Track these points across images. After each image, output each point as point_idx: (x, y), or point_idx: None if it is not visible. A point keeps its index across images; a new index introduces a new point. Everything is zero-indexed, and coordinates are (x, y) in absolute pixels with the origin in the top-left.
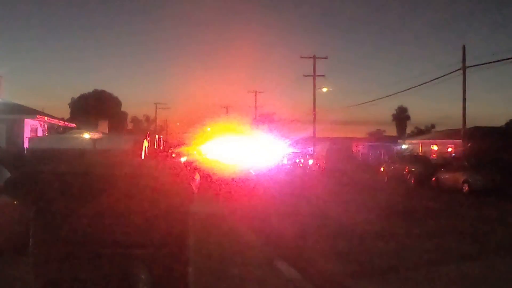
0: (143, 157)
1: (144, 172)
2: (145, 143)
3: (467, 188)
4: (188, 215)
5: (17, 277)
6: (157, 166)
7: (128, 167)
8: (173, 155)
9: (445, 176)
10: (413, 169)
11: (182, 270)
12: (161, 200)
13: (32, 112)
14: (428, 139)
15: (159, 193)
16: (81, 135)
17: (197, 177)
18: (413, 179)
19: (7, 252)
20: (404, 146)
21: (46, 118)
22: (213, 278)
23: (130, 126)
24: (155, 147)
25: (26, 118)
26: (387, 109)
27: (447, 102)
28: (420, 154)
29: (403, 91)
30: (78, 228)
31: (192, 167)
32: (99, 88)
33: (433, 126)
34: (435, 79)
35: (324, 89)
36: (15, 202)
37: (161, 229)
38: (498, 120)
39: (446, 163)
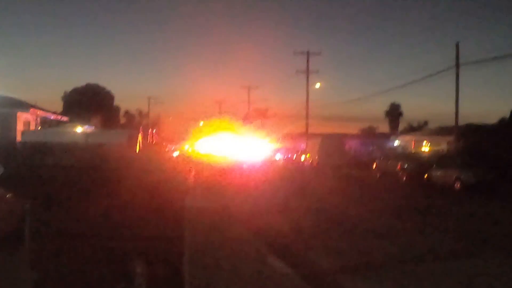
0: (137, 151)
1: (139, 166)
2: (139, 138)
3: (459, 185)
4: (183, 209)
5: (12, 270)
6: (152, 160)
7: (124, 161)
8: (167, 149)
9: (437, 173)
10: (406, 166)
11: (178, 263)
12: (156, 193)
13: (25, 106)
14: (421, 136)
15: (155, 186)
16: (74, 129)
17: (192, 171)
18: (405, 175)
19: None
20: (396, 143)
21: (38, 111)
22: (205, 272)
23: (123, 120)
24: (149, 141)
25: (19, 111)
26: (379, 106)
27: (440, 99)
28: (413, 150)
29: (396, 87)
30: (73, 221)
31: (187, 162)
32: (92, 82)
33: (425, 123)
34: (428, 76)
35: (317, 85)
36: (8, 195)
37: (156, 223)
38: (490, 117)
39: (438, 160)
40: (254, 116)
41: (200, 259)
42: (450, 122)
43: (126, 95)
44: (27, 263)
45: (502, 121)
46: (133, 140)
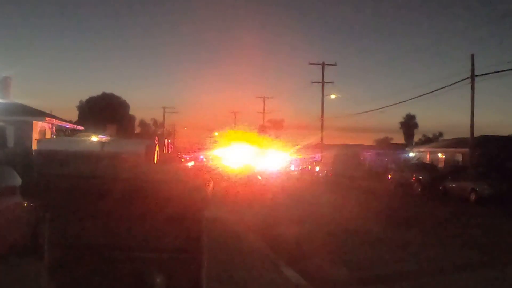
0: (155, 162)
1: (158, 177)
2: (157, 148)
3: (474, 197)
4: (203, 220)
5: (27, 278)
6: (171, 171)
7: (143, 172)
8: (182, 160)
9: (452, 185)
10: (420, 177)
11: (197, 275)
12: (176, 204)
13: (41, 114)
14: (436, 147)
15: (175, 197)
16: (89, 138)
17: (209, 182)
18: (420, 187)
19: (15, 252)
20: (411, 154)
21: (54, 120)
22: (221, 283)
23: (138, 129)
24: (164, 151)
25: (34, 120)
26: (395, 117)
27: (455, 111)
28: (428, 162)
29: (411, 99)
30: (93, 232)
31: (202, 172)
32: (108, 91)
33: (441, 134)
34: (443, 87)
35: (333, 96)
36: (25, 204)
37: (176, 234)
38: (506, 129)
39: (453, 171)
40: (269, 127)
41: (217, 269)
42: (465, 133)
43: (141, 104)
44: (43, 272)
45: None
46: (151, 150)
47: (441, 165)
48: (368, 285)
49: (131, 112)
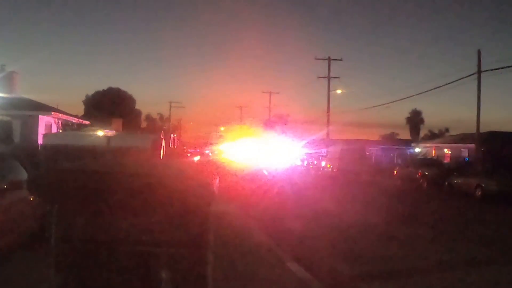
0: (161, 156)
1: (165, 171)
2: (163, 142)
3: (480, 193)
4: (209, 215)
5: (33, 271)
6: (177, 165)
7: (149, 166)
8: (188, 154)
9: (458, 181)
10: (426, 173)
11: (203, 269)
12: (182, 199)
13: (47, 109)
14: (442, 143)
15: (181, 192)
16: (95, 133)
17: (215, 177)
18: (426, 183)
19: (22, 247)
20: (417, 150)
21: (60, 114)
22: (227, 278)
23: (144, 124)
24: (170, 146)
25: (40, 114)
26: (401, 112)
27: (461, 106)
28: (434, 158)
29: (417, 94)
30: (99, 226)
31: (209, 167)
32: (114, 85)
33: (447, 130)
34: (450, 83)
35: (339, 91)
36: (31, 199)
37: (182, 229)
38: None
39: (459, 167)
40: (275, 122)
41: (223, 264)
42: (472, 129)
43: (148, 99)
44: (48, 265)
45: None
46: (157, 144)
47: (447, 160)
48: (374, 280)
49: (137, 106)
